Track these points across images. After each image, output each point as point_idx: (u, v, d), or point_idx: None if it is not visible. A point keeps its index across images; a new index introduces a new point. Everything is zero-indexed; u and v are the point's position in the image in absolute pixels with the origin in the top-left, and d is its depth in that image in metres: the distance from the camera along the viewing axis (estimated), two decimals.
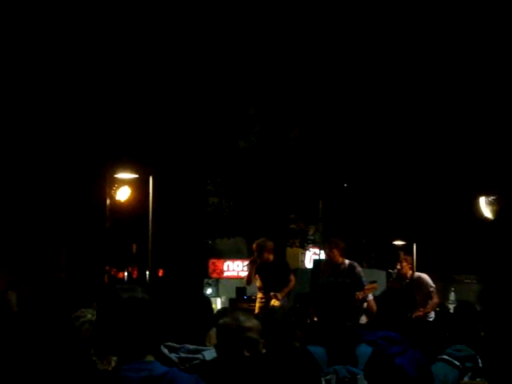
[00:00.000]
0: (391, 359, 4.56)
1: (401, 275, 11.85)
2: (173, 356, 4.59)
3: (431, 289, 11.78)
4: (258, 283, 11.70)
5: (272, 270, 11.41)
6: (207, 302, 5.05)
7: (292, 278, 11.53)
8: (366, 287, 11.66)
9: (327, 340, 4.27)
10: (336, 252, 11.75)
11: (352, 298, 4.53)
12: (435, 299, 11.81)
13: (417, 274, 12.05)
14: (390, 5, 25.26)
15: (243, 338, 4.33)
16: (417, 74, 27.19)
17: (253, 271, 11.55)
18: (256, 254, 11.45)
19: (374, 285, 12.12)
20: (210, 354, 4.55)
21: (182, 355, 4.57)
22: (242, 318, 4.44)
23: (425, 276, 11.97)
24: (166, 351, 4.63)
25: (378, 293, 12.11)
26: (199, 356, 4.54)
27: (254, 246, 11.59)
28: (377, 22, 26.03)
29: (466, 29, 21.99)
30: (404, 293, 11.13)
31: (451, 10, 23.14)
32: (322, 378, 4.15)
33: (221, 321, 4.50)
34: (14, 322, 5.97)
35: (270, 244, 11.60)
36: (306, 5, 25.93)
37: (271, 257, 11.50)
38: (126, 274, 28.79)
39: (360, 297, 11.48)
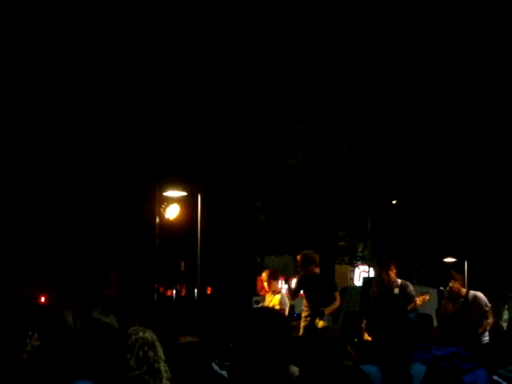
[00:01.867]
0: (461, 377, 4.51)
1: (453, 293, 11.66)
2: (224, 373, 4.54)
3: (487, 308, 11.58)
4: (304, 301, 11.48)
5: (318, 284, 11.14)
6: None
7: (337, 295, 11.30)
8: (417, 299, 11.53)
9: (381, 359, 4.19)
10: (393, 273, 11.65)
11: (406, 316, 4.45)
12: (490, 319, 11.58)
13: (472, 292, 11.81)
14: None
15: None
16: (468, 91, 26.90)
17: (297, 283, 11.34)
18: (299, 264, 11.19)
19: (426, 295, 11.98)
20: None
21: None
22: None
23: (481, 295, 11.74)
24: (216, 368, 4.65)
25: (429, 310, 11.96)
26: None
27: (299, 256, 11.32)
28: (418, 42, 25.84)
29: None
30: (463, 314, 10.97)
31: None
32: None
33: None
34: (74, 341, 6.00)
35: (316, 256, 11.31)
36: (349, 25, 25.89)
37: (317, 270, 11.22)
38: (174, 291, 28.85)
39: (409, 308, 11.34)
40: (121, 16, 21.41)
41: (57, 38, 21.03)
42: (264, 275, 12.02)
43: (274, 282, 11.93)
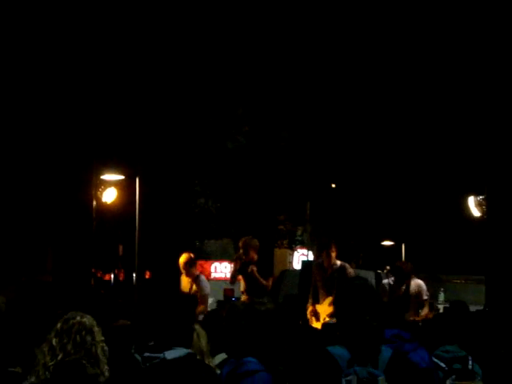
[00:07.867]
0: (407, 357, 4.68)
1: (402, 275, 11.86)
2: (137, 355, 4.74)
3: (425, 297, 11.90)
4: (242, 287, 11.79)
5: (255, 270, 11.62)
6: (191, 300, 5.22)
7: (269, 283, 11.78)
8: None
9: (350, 340, 4.18)
10: (335, 254, 11.86)
11: (378, 299, 4.44)
12: (425, 310, 11.91)
13: (415, 281, 12.08)
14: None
15: None
16: (406, 73, 27.07)
17: (236, 268, 11.80)
18: (242, 251, 11.67)
19: None
20: (172, 353, 4.67)
21: (146, 354, 4.71)
22: None
23: (423, 285, 12.07)
24: (133, 350, 4.87)
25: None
26: (160, 355, 4.66)
27: (241, 243, 11.87)
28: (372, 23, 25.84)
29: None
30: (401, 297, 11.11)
31: (451, 10, 22.93)
32: (343, 379, 4.08)
33: None
34: (3, 325, 5.99)
35: (255, 242, 11.85)
36: (296, 8, 25.76)
37: (256, 256, 11.73)
38: (112, 276, 28.60)
39: None
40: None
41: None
42: (181, 261, 12.34)
43: (191, 269, 12.34)
